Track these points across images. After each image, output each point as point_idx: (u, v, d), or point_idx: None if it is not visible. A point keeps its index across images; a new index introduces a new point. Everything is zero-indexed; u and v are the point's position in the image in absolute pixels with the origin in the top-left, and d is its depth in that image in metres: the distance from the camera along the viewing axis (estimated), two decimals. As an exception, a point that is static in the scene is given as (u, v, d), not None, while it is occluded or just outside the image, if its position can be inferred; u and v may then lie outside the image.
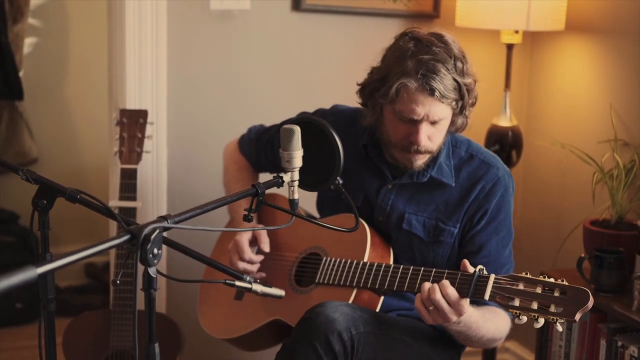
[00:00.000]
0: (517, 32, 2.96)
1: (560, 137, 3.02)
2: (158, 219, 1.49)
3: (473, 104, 2.15)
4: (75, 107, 4.40)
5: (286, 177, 1.83)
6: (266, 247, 2.34)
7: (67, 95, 4.39)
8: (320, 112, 2.39)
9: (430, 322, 1.93)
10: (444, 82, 2.02)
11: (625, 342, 2.36)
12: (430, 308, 1.89)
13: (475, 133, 3.06)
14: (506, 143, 3.02)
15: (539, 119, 3.22)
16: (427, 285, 1.91)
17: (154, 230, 1.42)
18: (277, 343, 2.41)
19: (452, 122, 2.13)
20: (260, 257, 2.32)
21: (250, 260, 2.29)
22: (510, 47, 3.01)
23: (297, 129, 1.83)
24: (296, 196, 1.86)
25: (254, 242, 2.35)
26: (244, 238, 2.32)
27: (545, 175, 3.21)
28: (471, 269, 1.90)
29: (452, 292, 1.87)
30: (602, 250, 2.49)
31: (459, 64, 2.06)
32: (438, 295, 1.87)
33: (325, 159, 2.09)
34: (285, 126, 1.83)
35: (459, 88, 2.05)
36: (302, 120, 2.07)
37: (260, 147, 2.50)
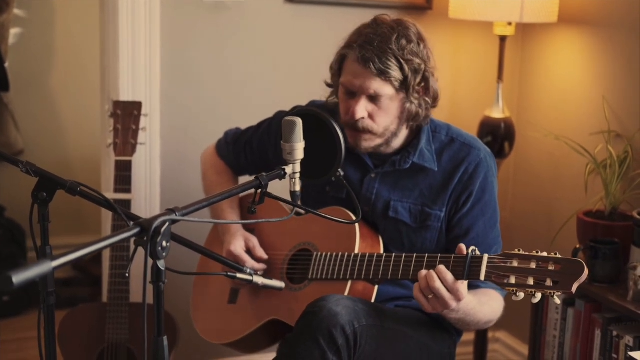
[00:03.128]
0: (510, 24, 2.97)
1: (552, 128, 3.04)
2: (166, 211, 1.48)
3: (426, 90, 2.13)
4: (62, 98, 4.37)
5: (288, 169, 1.83)
6: (264, 254, 2.31)
7: (53, 86, 4.36)
8: (297, 109, 2.37)
9: (430, 311, 1.93)
10: (380, 54, 2.04)
11: (620, 332, 2.38)
12: (430, 296, 1.89)
13: (468, 124, 3.08)
14: (499, 135, 3.03)
15: (531, 110, 3.24)
16: (423, 273, 1.90)
17: (163, 223, 1.41)
18: (275, 343, 2.41)
19: (404, 108, 2.11)
20: (263, 267, 2.30)
21: (252, 267, 2.27)
22: (503, 39, 3.02)
23: (299, 121, 1.83)
24: (297, 188, 1.87)
25: (248, 252, 2.32)
26: (240, 248, 2.29)
27: (537, 166, 3.23)
28: (464, 252, 1.91)
29: (450, 277, 1.87)
30: (596, 241, 2.51)
31: (403, 42, 2.06)
32: (437, 283, 1.87)
33: (326, 150, 2.10)
34: (287, 118, 1.83)
35: (400, 66, 2.05)
36: (303, 112, 2.08)
37: (239, 149, 2.49)
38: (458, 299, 1.88)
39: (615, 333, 2.39)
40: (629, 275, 2.39)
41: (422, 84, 2.12)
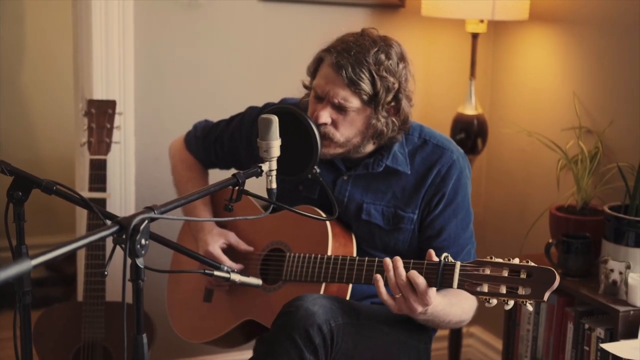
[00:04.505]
0: (482, 21, 3.00)
1: (524, 125, 3.07)
2: (145, 209, 1.48)
3: (396, 111, 2.12)
4: (33, 96, 4.33)
5: (265, 167, 1.84)
6: (249, 247, 2.30)
7: (24, 84, 4.32)
8: (269, 106, 2.38)
9: (397, 311, 1.93)
10: (355, 64, 2.03)
11: (592, 324, 2.42)
12: (398, 296, 1.89)
13: (441, 121, 3.12)
14: (471, 131, 3.06)
15: (503, 107, 3.27)
16: (390, 271, 1.89)
17: (142, 221, 1.42)
18: (251, 340, 2.41)
19: (369, 124, 2.10)
20: (240, 266, 2.29)
21: (231, 267, 2.27)
22: (475, 36, 3.05)
23: (275, 119, 1.84)
24: (274, 185, 1.88)
25: (228, 249, 2.31)
26: (218, 249, 2.28)
27: (509, 162, 3.26)
28: (436, 258, 1.91)
29: (421, 281, 1.86)
30: (568, 235, 2.55)
31: (382, 57, 2.05)
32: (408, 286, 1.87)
33: (302, 148, 2.10)
34: (263, 116, 1.84)
35: (372, 80, 2.04)
36: (279, 110, 2.08)
37: (209, 144, 2.48)
38: (425, 304, 1.88)
39: (587, 326, 2.43)
40: (600, 269, 2.43)
41: (393, 104, 2.10)
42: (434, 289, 1.89)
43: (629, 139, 2.68)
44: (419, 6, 3.08)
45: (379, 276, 1.92)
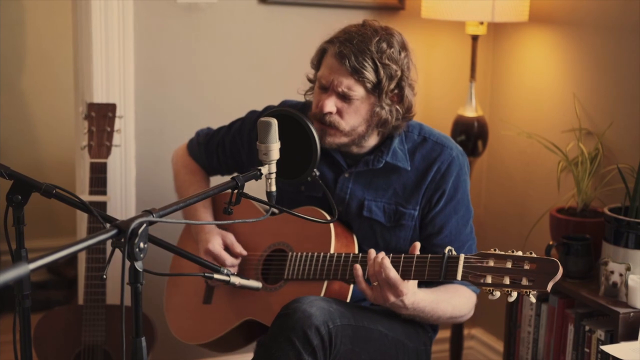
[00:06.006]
0: (481, 23, 3.00)
1: (524, 126, 3.07)
2: (143, 212, 1.48)
3: (400, 99, 2.14)
4: (33, 99, 4.33)
5: (264, 170, 1.84)
6: (243, 251, 2.31)
7: (24, 87, 4.32)
8: (269, 109, 2.38)
9: (372, 300, 1.99)
10: (358, 53, 2.06)
11: (593, 326, 2.42)
12: (375, 284, 1.96)
13: (441, 123, 3.11)
14: (472, 133, 3.06)
15: (503, 109, 3.27)
16: (371, 260, 1.97)
17: (140, 224, 1.42)
18: (250, 343, 2.41)
19: (374, 112, 2.12)
20: (239, 261, 2.30)
21: (232, 264, 2.27)
22: (475, 38, 3.05)
23: (274, 122, 1.84)
24: (273, 188, 1.88)
25: (226, 249, 2.31)
26: (218, 246, 2.29)
27: (510, 164, 3.26)
28: (418, 251, 1.97)
29: (392, 274, 1.93)
30: (569, 237, 2.55)
31: (384, 45, 2.08)
32: (383, 274, 1.94)
33: (301, 151, 2.11)
34: (262, 119, 1.84)
35: (375, 68, 2.07)
36: (278, 113, 2.09)
37: (211, 150, 2.48)
38: (398, 295, 1.94)
39: (587, 328, 2.43)
40: (601, 271, 2.43)
41: (396, 91, 2.13)
42: (412, 282, 1.95)
43: (628, 140, 2.68)
44: (419, 8, 3.08)
45: (358, 266, 2.02)
